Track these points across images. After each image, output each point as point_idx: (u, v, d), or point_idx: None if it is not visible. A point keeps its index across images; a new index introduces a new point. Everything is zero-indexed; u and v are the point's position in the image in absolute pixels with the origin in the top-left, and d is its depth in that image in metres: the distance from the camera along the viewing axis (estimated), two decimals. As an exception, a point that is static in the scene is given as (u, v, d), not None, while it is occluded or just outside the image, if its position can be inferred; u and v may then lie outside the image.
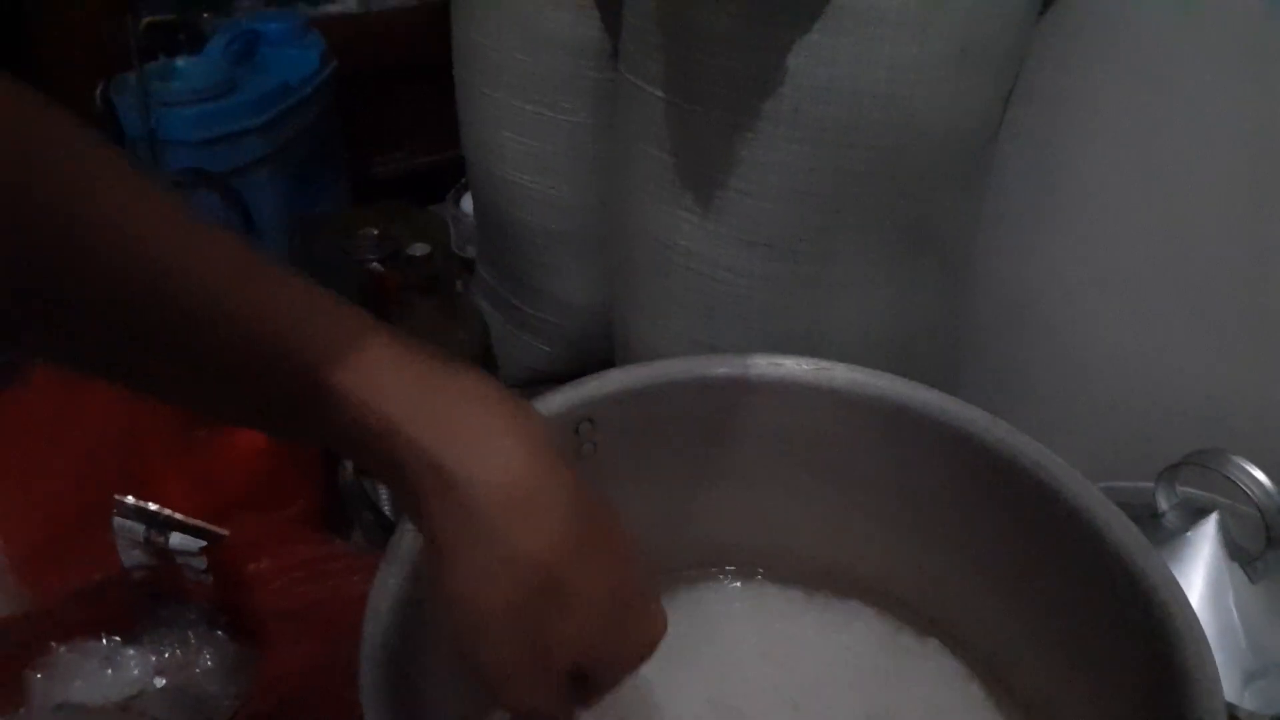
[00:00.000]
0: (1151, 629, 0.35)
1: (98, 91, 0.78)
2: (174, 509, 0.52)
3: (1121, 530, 0.38)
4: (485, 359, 0.71)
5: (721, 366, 0.44)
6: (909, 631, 0.47)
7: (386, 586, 0.35)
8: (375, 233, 0.80)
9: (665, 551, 0.48)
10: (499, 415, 0.30)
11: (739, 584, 0.50)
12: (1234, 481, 0.46)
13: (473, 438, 0.29)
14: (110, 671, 0.49)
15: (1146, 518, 0.48)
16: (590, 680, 0.32)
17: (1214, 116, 0.53)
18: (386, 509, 0.57)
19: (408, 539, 0.36)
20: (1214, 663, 0.33)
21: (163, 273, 0.28)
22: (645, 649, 0.32)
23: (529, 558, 0.29)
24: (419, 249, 0.66)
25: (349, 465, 0.57)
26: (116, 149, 0.29)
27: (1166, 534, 0.50)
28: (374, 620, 0.34)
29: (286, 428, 0.32)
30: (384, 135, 1.07)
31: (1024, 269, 0.65)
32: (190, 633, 0.52)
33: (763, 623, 0.48)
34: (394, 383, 0.29)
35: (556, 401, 0.43)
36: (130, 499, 0.52)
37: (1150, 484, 0.53)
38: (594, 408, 0.43)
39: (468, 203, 0.92)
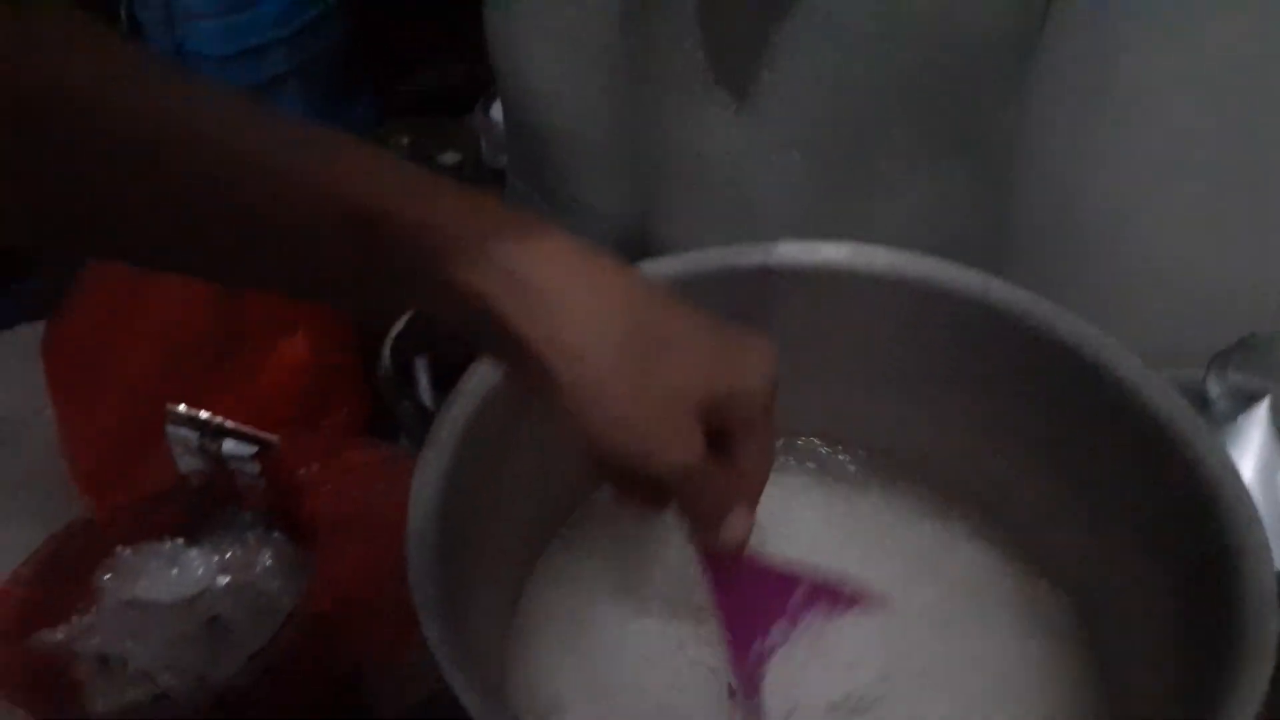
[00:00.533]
0: (1202, 502, 0.35)
1: (121, 7, 0.77)
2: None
3: (1168, 403, 0.38)
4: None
5: (755, 254, 0.44)
6: (951, 513, 0.47)
7: (429, 470, 0.36)
8: (406, 143, 0.80)
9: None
10: (544, 223, 0.31)
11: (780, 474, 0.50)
12: (1287, 365, 0.45)
13: (536, 236, 0.30)
14: (175, 571, 0.52)
15: (1198, 406, 0.48)
16: (729, 428, 0.32)
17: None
18: (425, 399, 0.57)
19: (447, 427, 0.37)
20: (1264, 531, 0.32)
21: (210, 142, 0.28)
22: (766, 366, 0.32)
23: (625, 304, 0.30)
24: (450, 158, 0.65)
25: (387, 359, 0.58)
26: (142, 46, 0.30)
27: (1218, 421, 0.50)
28: (419, 502, 0.35)
29: (339, 273, 0.31)
30: (413, 47, 1.05)
31: (1074, 165, 0.63)
32: (249, 534, 0.54)
33: (797, 512, 0.48)
34: (453, 203, 0.30)
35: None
36: (182, 407, 0.53)
37: (1201, 372, 0.52)
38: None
39: (498, 111, 0.90)
